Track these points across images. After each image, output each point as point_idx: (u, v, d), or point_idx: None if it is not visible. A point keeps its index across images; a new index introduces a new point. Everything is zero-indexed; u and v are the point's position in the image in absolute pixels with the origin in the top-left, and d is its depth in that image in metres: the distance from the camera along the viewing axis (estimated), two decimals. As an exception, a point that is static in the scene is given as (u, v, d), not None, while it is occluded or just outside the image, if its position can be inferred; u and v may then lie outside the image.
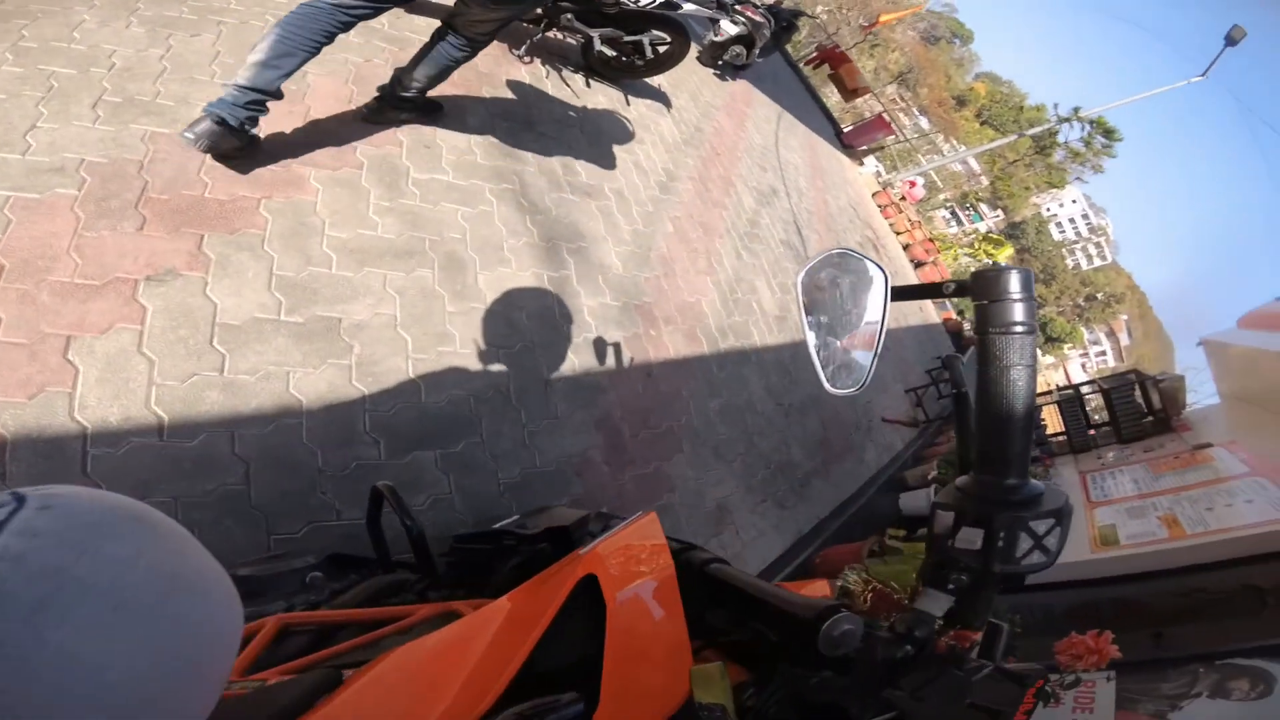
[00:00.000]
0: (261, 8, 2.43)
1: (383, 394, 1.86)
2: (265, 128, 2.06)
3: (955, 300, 11.78)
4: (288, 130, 2.15)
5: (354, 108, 2.40)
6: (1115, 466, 4.62)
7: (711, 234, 4.14)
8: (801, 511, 3.49)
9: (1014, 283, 0.56)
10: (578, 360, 2.56)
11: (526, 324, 2.41)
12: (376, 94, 2.41)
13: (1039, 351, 0.64)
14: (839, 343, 0.73)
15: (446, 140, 2.63)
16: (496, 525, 1.14)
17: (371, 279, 2.03)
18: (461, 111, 2.81)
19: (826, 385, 0.72)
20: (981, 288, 0.57)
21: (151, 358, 1.49)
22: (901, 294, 0.70)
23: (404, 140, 2.45)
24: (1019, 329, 0.55)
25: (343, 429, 1.74)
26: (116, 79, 1.88)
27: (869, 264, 0.70)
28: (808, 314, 0.73)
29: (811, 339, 0.72)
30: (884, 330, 0.70)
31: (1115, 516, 3.68)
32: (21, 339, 1.35)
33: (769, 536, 3.13)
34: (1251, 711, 1.82)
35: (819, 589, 0.99)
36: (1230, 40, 10.49)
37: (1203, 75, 11.92)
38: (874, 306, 0.70)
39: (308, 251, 1.92)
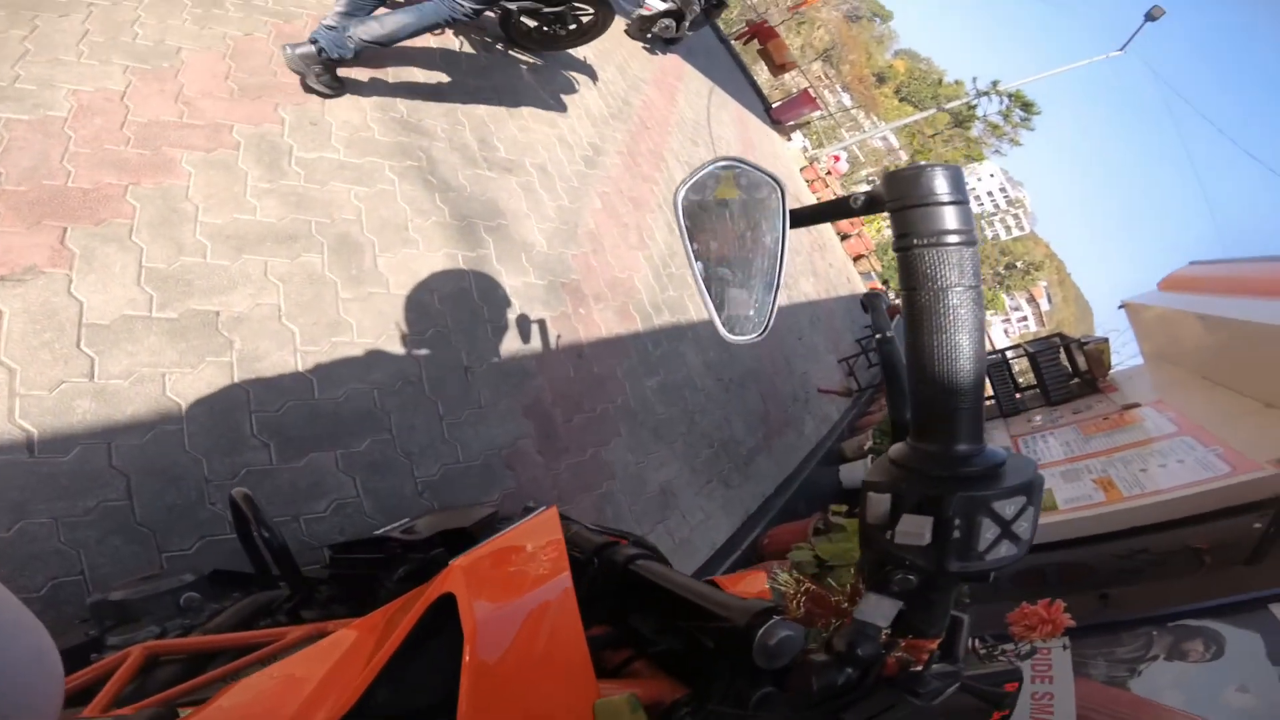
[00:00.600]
0: None
1: (269, 392, 1.67)
2: (135, 108, 1.85)
3: (880, 270, 12.12)
4: (158, 110, 1.91)
5: (230, 84, 2.15)
6: (1046, 429, 4.78)
7: (642, 208, 4.01)
8: (747, 490, 3.45)
9: (940, 180, 0.42)
10: (501, 344, 2.40)
11: (439, 308, 2.22)
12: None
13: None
14: (733, 277, 0.59)
15: (337, 116, 2.39)
16: (378, 531, 0.99)
17: (251, 267, 1.81)
18: (356, 86, 2.57)
19: (722, 330, 0.57)
20: (897, 190, 0.43)
21: (12, 366, 1.34)
22: (803, 217, 0.56)
23: (286, 118, 2.21)
24: (954, 239, 0.41)
25: (228, 433, 1.57)
26: None
27: (762, 176, 0.57)
28: (692, 241, 0.58)
29: (698, 270, 0.58)
30: (784, 260, 0.57)
31: (1051, 480, 3.78)
32: None
33: (717, 518, 3.07)
34: (1208, 673, 1.86)
35: (757, 583, 0.88)
36: (1150, 16, 10.95)
37: (1121, 50, 12.39)
38: (771, 232, 0.57)
39: (180, 240, 1.72)
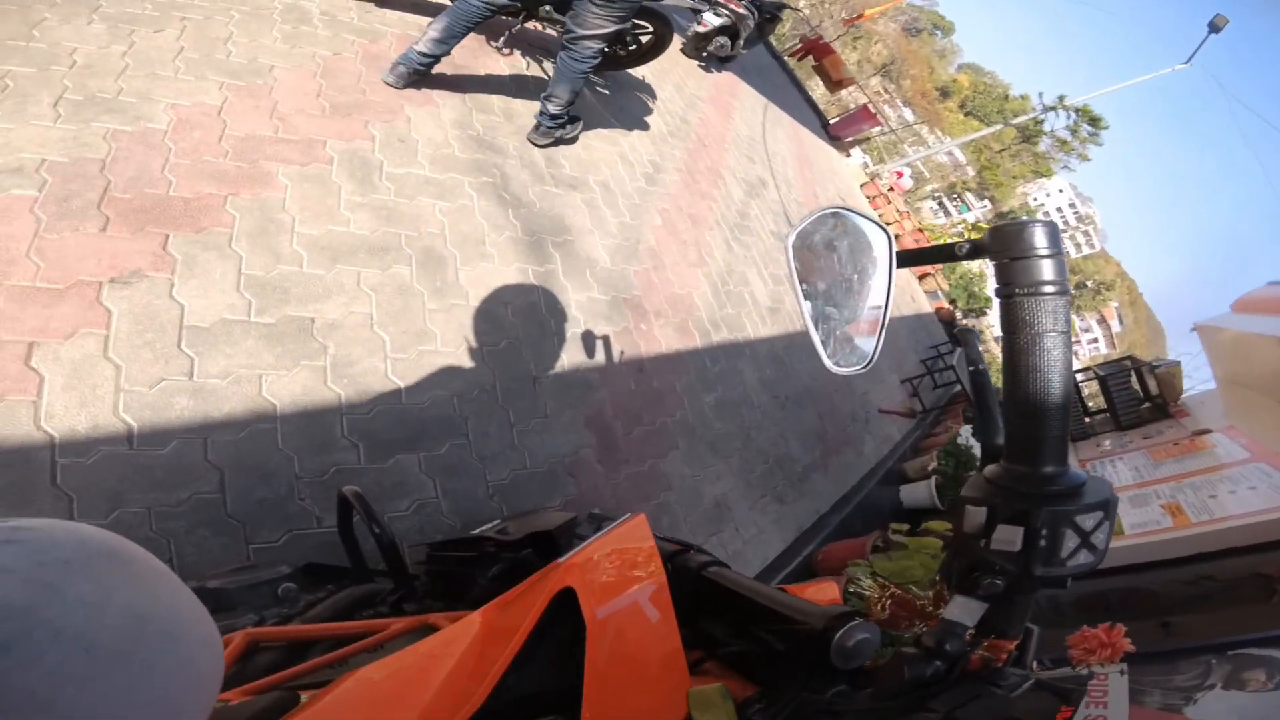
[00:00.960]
0: (226, 2, 2.35)
1: (360, 396, 1.78)
2: (232, 123, 1.99)
3: (947, 289, 11.79)
4: (254, 125, 2.07)
5: (322, 101, 2.32)
6: (1115, 454, 4.60)
7: (700, 226, 4.07)
8: (801, 506, 3.43)
9: (1040, 236, 0.48)
10: (566, 357, 2.48)
11: (511, 320, 2.33)
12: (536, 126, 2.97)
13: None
14: (839, 315, 0.65)
15: (422, 134, 2.55)
16: (475, 531, 1.06)
17: (344, 277, 1.94)
18: (436, 105, 2.73)
19: (828, 363, 0.64)
20: (1001, 243, 0.49)
21: (118, 363, 1.43)
22: (908, 259, 0.63)
23: (376, 135, 2.37)
24: (1050, 289, 0.47)
25: (319, 433, 1.67)
26: (77, 76, 1.80)
27: (869, 225, 0.62)
28: (802, 282, 0.64)
29: (807, 309, 0.64)
30: (890, 299, 0.62)
31: (1119, 506, 3.63)
32: (-18, 346, 1.29)
33: (769, 533, 3.06)
34: (1268, 702, 1.78)
35: (827, 591, 0.91)
36: (1213, 27, 10.55)
37: (1187, 63, 11.95)
38: (878, 273, 0.62)
39: (277, 249, 1.85)
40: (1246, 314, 4.88)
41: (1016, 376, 0.49)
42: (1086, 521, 0.47)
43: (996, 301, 0.51)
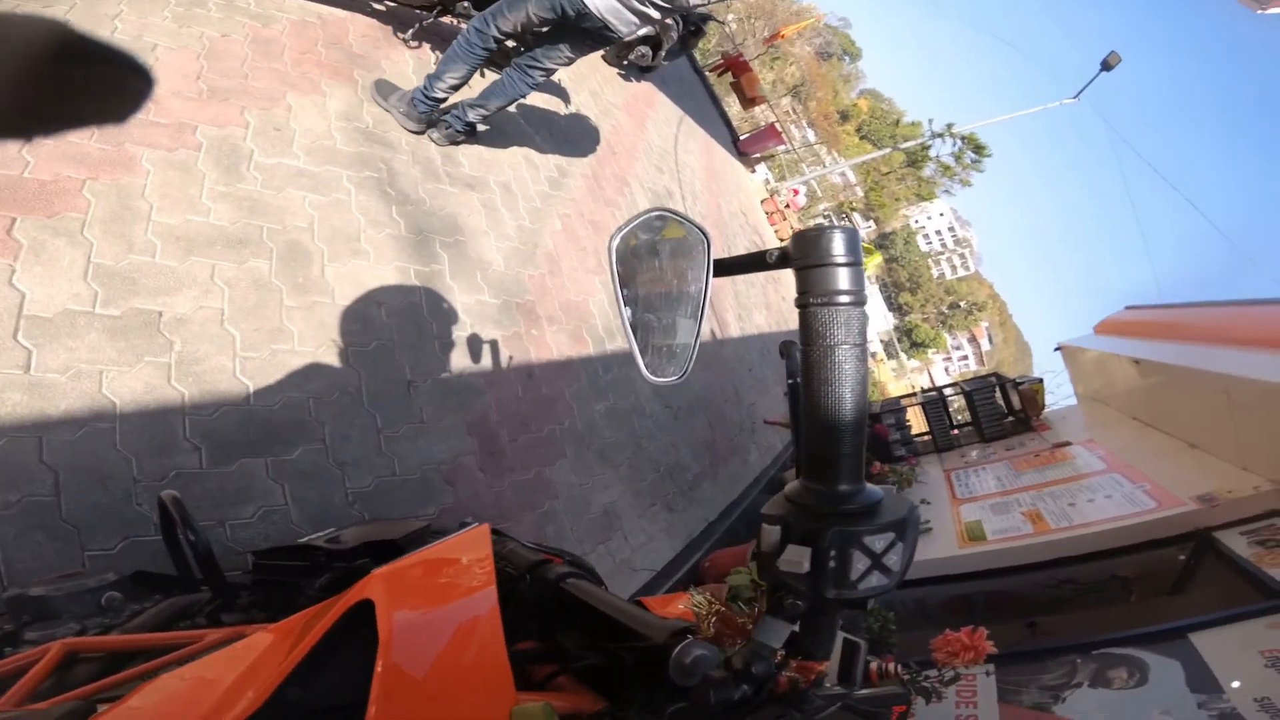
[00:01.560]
0: None
1: (206, 396, 1.64)
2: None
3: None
4: None
5: (200, 84, 2.13)
6: (979, 464, 4.98)
7: (602, 232, 4.06)
8: (691, 514, 3.50)
9: (836, 243, 0.46)
10: (449, 361, 2.40)
11: (385, 321, 2.21)
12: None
13: (870, 333, 0.52)
14: (659, 322, 0.63)
15: (301, 123, 2.37)
16: (303, 539, 0.99)
17: (198, 269, 1.78)
18: (323, 94, 2.56)
19: (645, 373, 0.61)
20: (802, 250, 0.47)
21: None
22: (725, 267, 0.60)
23: (251, 122, 2.19)
24: (843, 299, 0.46)
25: (161, 434, 1.55)
26: None
27: (690, 227, 0.60)
28: (622, 287, 0.61)
29: (626, 315, 0.61)
30: (706, 306, 0.60)
31: (981, 513, 3.95)
32: None
33: (659, 541, 3.10)
34: (1131, 699, 1.95)
35: (678, 606, 0.92)
36: (1106, 65, 11.04)
37: (1075, 98, 12.64)
38: (695, 280, 0.60)
39: (130, 238, 1.69)
40: (1107, 335, 5.44)
41: (810, 391, 0.48)
42: (876, 543, 0.46)
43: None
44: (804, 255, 0.47)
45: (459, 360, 2.44)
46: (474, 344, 2.53)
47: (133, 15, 2.09)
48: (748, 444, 4.84)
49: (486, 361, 2.56)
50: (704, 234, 0.58)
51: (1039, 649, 2.40)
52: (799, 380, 0.84)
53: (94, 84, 0.34)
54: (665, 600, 0.89)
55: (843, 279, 0.46)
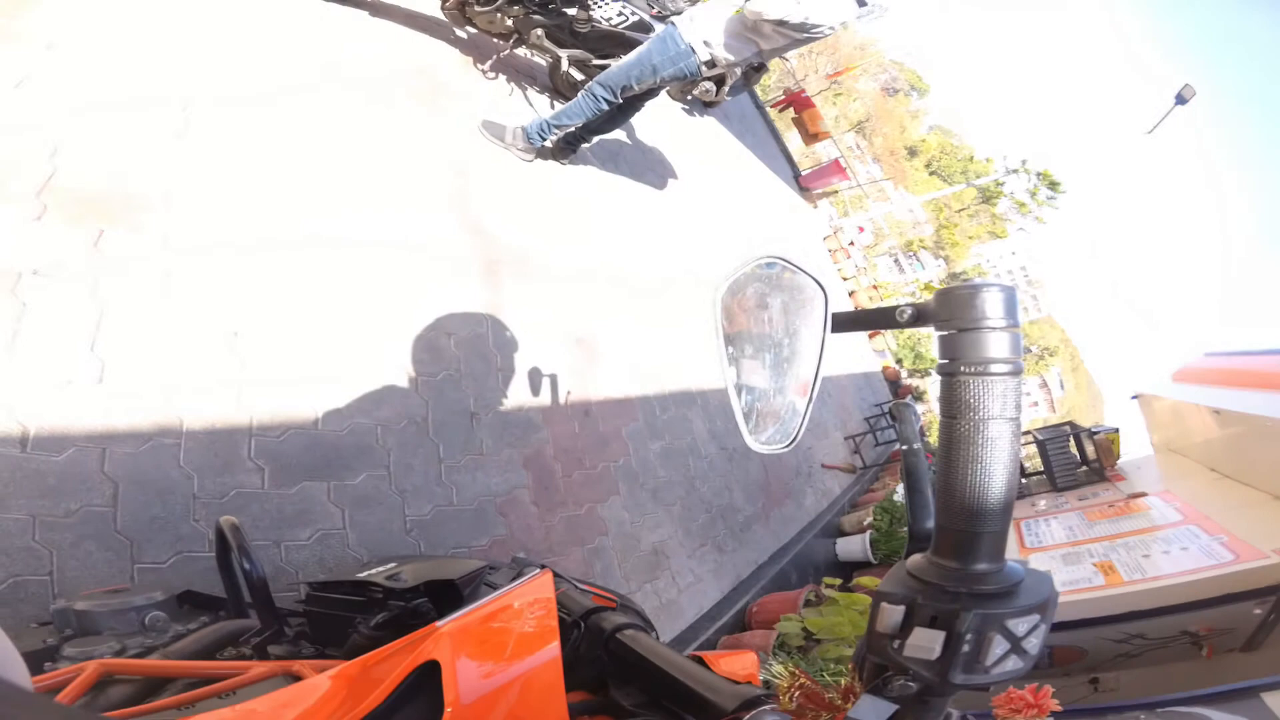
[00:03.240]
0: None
1: (274, 418, 1.67)
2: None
3: (895, 348, 12.07)
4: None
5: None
6: (1049, 514, 4.70)
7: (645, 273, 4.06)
8: (740, 556, 3.39)
9: (993, 304, 0.41)
10: (511, 394, 2.40)
11: (454, 352, 2.24)
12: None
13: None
14: (766, 384, 0.57)
15: (387, 147, 2.47)
16: (361, 574, 0.96)
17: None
18: (409, 122, 2.67)
19: (749, 439, 0.55)
20: (948, 310, 0.42)
21: (23, 360, 1.34)
22: (845, 323, 0.55)
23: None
24: (1001, 368, 0.41)
25: (224, 453, 1.57)
26: None
27: (806, 279, 0.54)
28: (727, 345, 0.56)
29: (731, 377, 0.56)
30: (821, 369, 0.55)
31: (1050, 563, 3.71)
32: None
33: (706, 582, 3.01)
34: None
35: (745, 665, 0.85)
36: (1181, 99, 10.48)
37: (1149, 133, 11.97)
38: (810, 338, 0.54)
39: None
40: (1185, 384, 5.11)
41: (953, 465, 0.42)
42: (1019, 626, 0.41)
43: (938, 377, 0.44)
44: (951, 316, 0.42)
45: (520, 394, 2.45)
46: (535, 378, 2.54)
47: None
48: (803, 488, 4.69)
49: (546, 397, 2.56)
50: (821, 286, 0.53)
51: (1104, 708, 2.25)
52: (916, 446, 0.77)
53: None
54: (725, 655, 0.83)
55: (1000, 345, 0.41)
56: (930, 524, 0.57)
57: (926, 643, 0.42)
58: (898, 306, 0.47)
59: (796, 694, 0.81)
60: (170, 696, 0.65)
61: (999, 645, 0.41)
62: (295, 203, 2.04)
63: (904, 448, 0.77)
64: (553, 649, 0.55)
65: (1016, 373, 0.41)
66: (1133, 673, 2.70)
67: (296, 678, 0.62)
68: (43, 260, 1.44)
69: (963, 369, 0.41)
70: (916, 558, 0.47)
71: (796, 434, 0.56)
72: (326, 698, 0.52)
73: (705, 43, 2.68)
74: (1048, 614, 0.42)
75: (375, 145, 2.45)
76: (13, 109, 1.58)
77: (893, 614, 0.44)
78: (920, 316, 0.45)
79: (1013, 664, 0.41)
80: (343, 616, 0.92)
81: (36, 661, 0.82)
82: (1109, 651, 2.83)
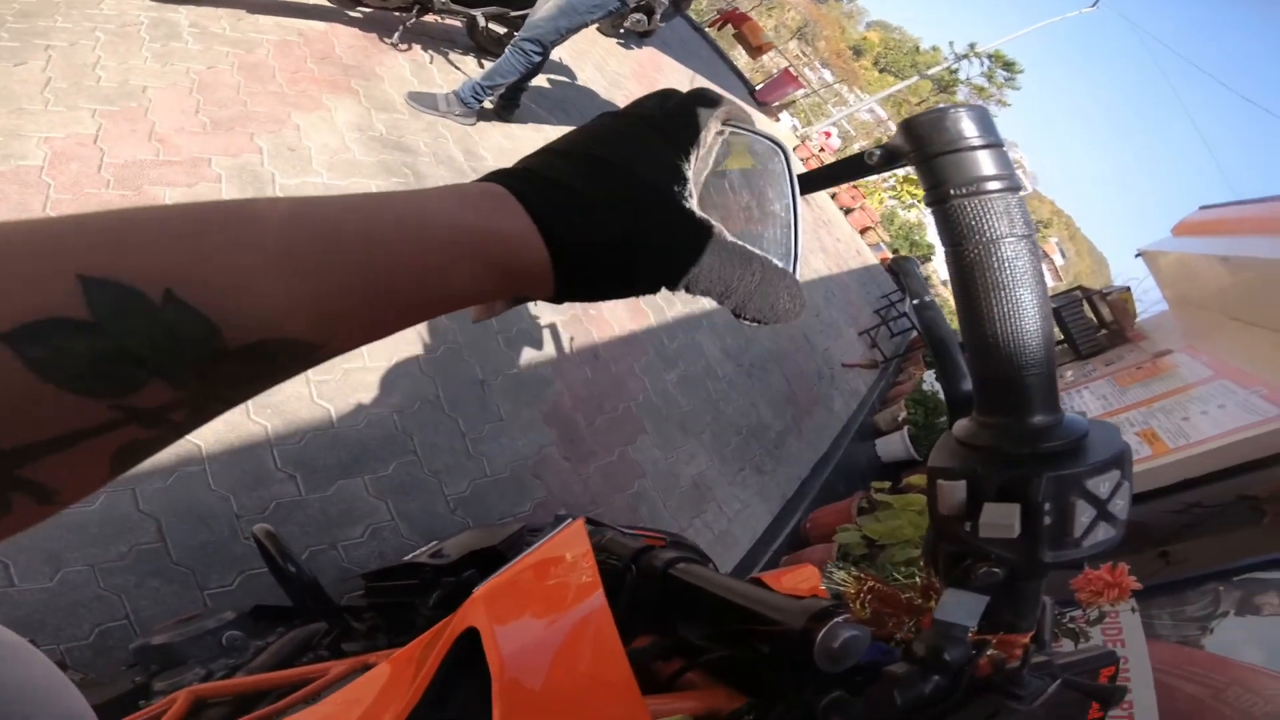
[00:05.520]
0: (90, 24, 2.19)
1: (289, 425, 1.68)
2: (110, 150, 1.88)
3: (889, 240, 12.01)
4: (133, 150, 1.93)
5: (202, 118, 2.18)
6: (1080, 384, 4.73)
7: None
8: (782, 474, 3.42)
9: (965, 123, 0.37)
10: (514, 354, 2.39)
11: (446, 325, 2.22)
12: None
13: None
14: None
15: (314, 140, 2.41)
16: (408, 556, 0.99)
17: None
18: (328, 109, 2.59)
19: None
20: (919, 139, 0.38)
21: None
22: (815, 180, 0.50)
23: (263, 146, 2.23)
24: (995, 184, 0.36)
25: (252, 468, 1.59)
26: None
27: (759, 139, 0.47)
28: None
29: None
30: (798, 227, 0.51)
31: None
32: None
33: (754, 506, 3.04)
34: None
35: (806, 579, 0.83)
36: None
37: (1093, 6, 12.29)
38: (780, 199, 0.47)
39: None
40: (1186, 236, 5.11)
41: (972, 300, 0.38)
42: (1101, 485, 0.36)
43: (929, 214, 0.40)
44: (924, 145, 0.38)
45: (524, 352, 2.43)
46: (534, 333, 2.52)
47: (112, 61, 2.14)
48: (829, 392, 4.72)
49: (550, 349, 2.55)
50: (777, 145, 0.46)
51: (1178, 580, 2.24)
52: (929, 299, 0.72)
53: None
54: (784, 573, 0.82)
55: (987, 162, 0.37)
56: (967, 384, 0.52)
57: (1002, 519, 0.37)
58: (865, 151, 0.43)
59: (867, 598, 0.76)
60: (264, 708, 0.67)
61: (1084, 512, 0.36)
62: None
63: (915, 302, 0.72)
64: (597, 596, 0.53)
65: (1014, 189, 0.37)
66: (1198, 543, 2.70)
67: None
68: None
69: (952, 192, 0.37)
70: (964, 423, 0.42)
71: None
72: (390, 684, 0.52)
73: None
74: (1126, 469, 0.38)
75: (304, 141, 2.39)
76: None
77: (953, 491, 0.40)
78: (891, 155, 0.41)
79: (1104, 532, 0.37)
80: (404, 602, 0.94)
81: (130, 701, 0.85)
82: (1170, 524, 2.84)
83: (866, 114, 29.01)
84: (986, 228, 0.36)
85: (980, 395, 0.40)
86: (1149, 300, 5.97)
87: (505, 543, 0.92)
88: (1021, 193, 0.38)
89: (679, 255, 0.29)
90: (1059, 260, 54.99)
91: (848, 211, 10.44)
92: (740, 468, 3.14)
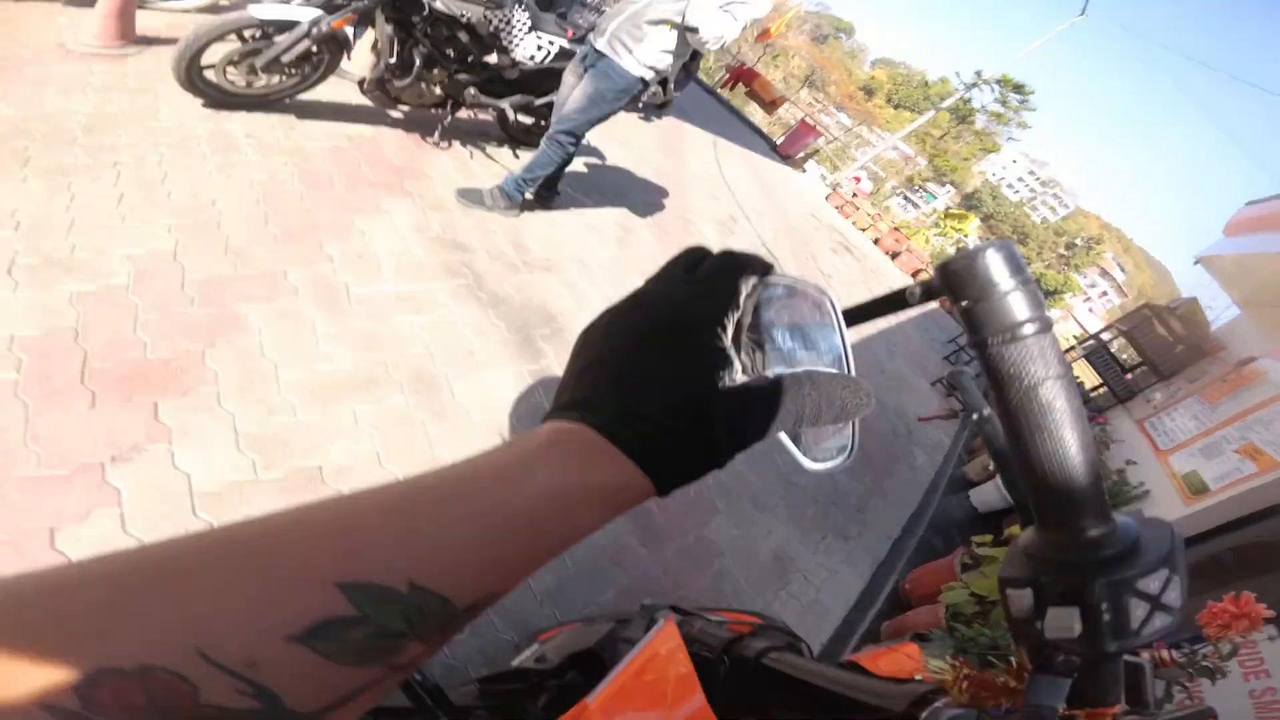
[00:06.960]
0: (151, 138, 2.42)
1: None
2: (190, 265, 2.04)
3: (928, 274, 11.80)
4: (212, 265, 2.10)
5: (270, 229, 2.37)
6: (1168, 406, 4.58)
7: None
8: (869, 537, 3.36)
9: (996, 265, 0.41)
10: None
11: (518, 427, 2.32)
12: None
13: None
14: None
15: (379, 245, 2.61)
16: (514, 663, 1.07)
17: (341, 417, 1.94)
18: (386, 213, 2.81)
19: (804, 461, 0.55)
20: (954, 285, 0.42)
21: (138, 537, 1.46)
22: (857, 315, 0.52)
23: (333, 254, 2.42)
24: (1028, 329, 0.41)
25: None
26: (27, 238, 1.84)
27: (803, 287, 0.49)
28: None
29: None
30: (851, 367, 0.50)
31: (1193, 460, 3.60)
32: (4, 536, 1.35)
33: (842, 573, 2.99)
34: None
35: (905, 660, 0.85)
36: None
37: (1082, 14, 12.82)
38: (827, 341, 0.50)
39: (267, 400, 1.86)
40: (1240, 235, 5.01)
41: (1020, 439, 0.43)
42: (1151, 584, 0.42)
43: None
44: (959, 293, 0.43)
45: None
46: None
47: (178, 175, 2.34)
48: (909, 448, 4.65)
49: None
50: (821, 291, 0.49)
51: None
52: (986, 413, 0.75)
53: None
54: (885, 656, 0.85)
55: (1018, 307, 0.41)
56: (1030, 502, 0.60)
57: (1064, 622, 0.43)
58: (907, 289, 0.48)
59: (964, 684, 0.78)
60: None
61: (1138, 608, 0.42)
62: (329, 321, 2.16)
63: (975, 417, 0.75)
64: (697, 700, 0.59)
65: (1046, 328, 0.42)
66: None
67: None
68: (119, 445, 1.57)
69: (990, 340, 0.42)
70: (1028, 534, 0.49)
71: (852, 443, 0.55)
72: None
73: (649, 67, 2.91)
74: (1176, 564, 0.43)
75: (370, 247, 2.58)
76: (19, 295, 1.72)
77: (1021, 598, 0.46)
78: (930, 293, 0.46)
79: (1160, 621, 0.42)
80: (515, 704, 1.01)
81: None
82: (1293, 538, 2.73)
83: (892, 152, 29.39)
84: (1025, 374, 0.41)
85: (1038, 513, 0.46)
86: (1219, 307, 5.79)
87: (601, 644, 0.99)
88: (1052, 329, 0.42)
89: (752, 432, 0.34)
90: (1119, 276, 53.57)
91: (894, 255, 10.44)
92: (822, 535, 3.09)
